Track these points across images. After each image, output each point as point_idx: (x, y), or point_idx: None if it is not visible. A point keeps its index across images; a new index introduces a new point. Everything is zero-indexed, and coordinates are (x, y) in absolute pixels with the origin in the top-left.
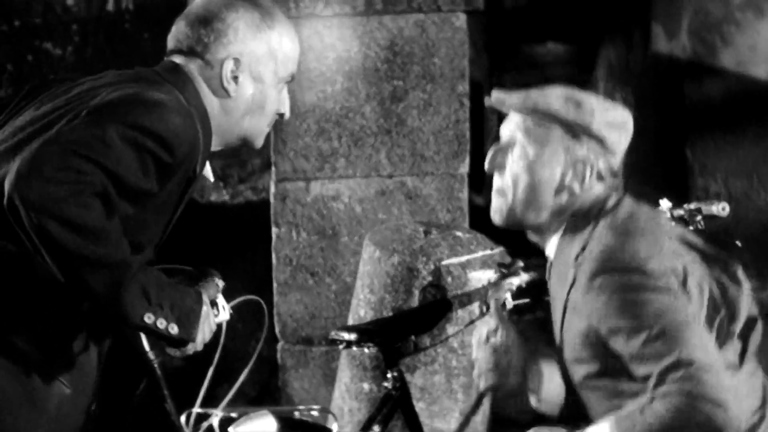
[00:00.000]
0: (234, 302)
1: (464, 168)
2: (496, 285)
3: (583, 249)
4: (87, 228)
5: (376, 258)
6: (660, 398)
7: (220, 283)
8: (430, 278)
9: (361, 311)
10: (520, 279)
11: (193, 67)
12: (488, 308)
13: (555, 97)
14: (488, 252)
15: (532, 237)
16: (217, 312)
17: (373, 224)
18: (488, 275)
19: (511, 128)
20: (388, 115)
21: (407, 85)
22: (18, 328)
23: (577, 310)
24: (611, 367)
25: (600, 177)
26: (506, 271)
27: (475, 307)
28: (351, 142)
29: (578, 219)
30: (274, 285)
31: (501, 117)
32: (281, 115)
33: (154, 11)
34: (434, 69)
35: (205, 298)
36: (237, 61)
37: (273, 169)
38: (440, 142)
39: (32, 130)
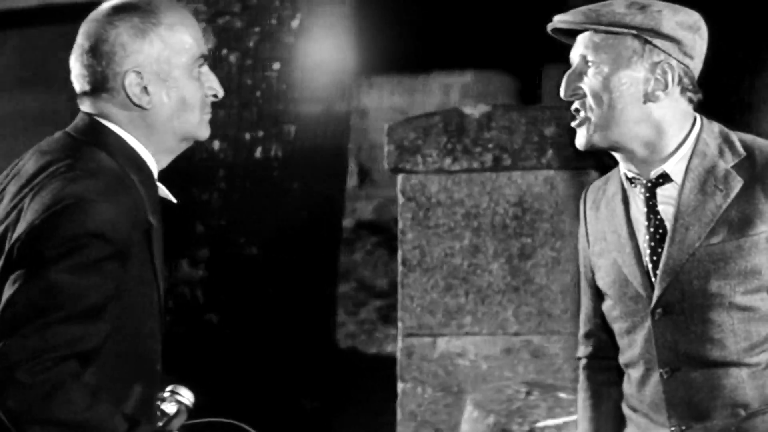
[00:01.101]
0: None
1: None
2: None
3: (747, 156)
4: (75, 422)
5: (473, 418)
6: None
7: None
8: None
9: None
10: None
11: (103, 105)
12: None
13: (618, 4)
14: None
15: (627, 167)
16: None
17: (498, 381)
18: None
19: (579, 51)
20: (516, 272)
21: (536, 242)
22: None
23: (750, 213)
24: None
25: (683, 88)
26: None
27: None
28: (478, 298)
29: (707, 138)
30: None
31: None
32: (215, 96)
33: (301, 160)
34: (563, 226)
35: None
36: (138, 73)
37: (399, 324)
38: (568, 300)
39: None
